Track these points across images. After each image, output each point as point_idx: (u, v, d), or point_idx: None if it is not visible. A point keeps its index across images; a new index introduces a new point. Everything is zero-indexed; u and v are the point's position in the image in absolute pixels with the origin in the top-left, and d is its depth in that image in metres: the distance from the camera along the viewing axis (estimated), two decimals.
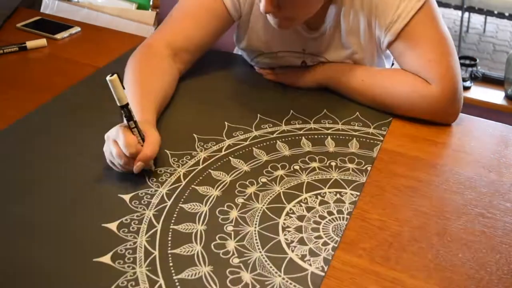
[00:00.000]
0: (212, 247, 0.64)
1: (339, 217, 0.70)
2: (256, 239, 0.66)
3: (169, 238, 0.66)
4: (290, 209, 0.71)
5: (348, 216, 0.70)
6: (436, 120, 0.89)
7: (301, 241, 0.66)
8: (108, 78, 0.68)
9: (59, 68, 1.06)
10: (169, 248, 0.64)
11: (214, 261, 0.62)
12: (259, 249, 0.64)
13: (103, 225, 0.67)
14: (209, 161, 0.79)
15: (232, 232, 0.67)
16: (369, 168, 0.79)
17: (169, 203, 0.71)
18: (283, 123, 0.88)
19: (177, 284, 0.59)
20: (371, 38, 0.92)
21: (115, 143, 0.72)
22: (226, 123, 0.88)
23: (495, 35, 3.65)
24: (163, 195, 0.72)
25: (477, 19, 3.71)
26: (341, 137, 0.85)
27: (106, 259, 0.62)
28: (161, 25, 0.98)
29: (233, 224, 0.68)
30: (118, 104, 0.70)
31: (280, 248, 0.65)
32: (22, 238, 0.65)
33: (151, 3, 1.78)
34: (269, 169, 0.78)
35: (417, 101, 0.88)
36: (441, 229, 0.68)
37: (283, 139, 0.84)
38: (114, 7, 1.77)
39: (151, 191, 0.73)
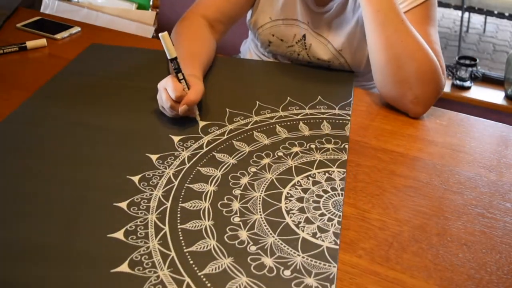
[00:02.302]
0: (226, 239, 0.66)
1: (335, 194, 0.74)
2: (265, 225, 0.69)
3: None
4: (288, 193, 0.74)
5: (342, 192, 0.74)
6: (412, 95, 0.89)
7: (308, 221, 0.70)
8: (160, 34, 0.82)
9: (59, 68, 1.06)
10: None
11: (232, 253, 0.64)
12: (271, 234, 0.67)
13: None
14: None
15: (241, 223, 0.69)
16: (346, 146, 0.84)
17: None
18: (253, 113, 0.91)
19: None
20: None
21: (165, 90, 0.84)
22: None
23: (495, 35, 3.65)
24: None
25: (477, 19, 3.71)
26: (311, 120, 0.90)
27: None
28: (196, 1, 1.09)
29: (238, 215, 0.70)
30: (168, 57, 0.84)
31: (290, 230, 0.68)
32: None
33: (151, 3, 1.78)
34: (255, 158, 0.81)
35: (434, 74, 0.88)
36: (441, 229, 0.68)
37: (259, 129, 0.87)
38: (114, 7, 1.77)
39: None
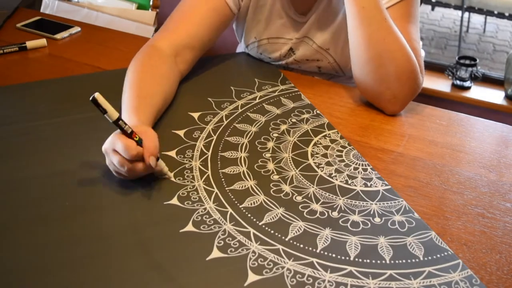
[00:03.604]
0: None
1: (351, 148, 0.83)
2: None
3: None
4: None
5: (351, 146, 0.84)
6: (391, 93, 0.90)
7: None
8: (92, 97, 0.68)
9: (59, 68, 1.06)
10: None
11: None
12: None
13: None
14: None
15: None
16: (318, 111, 0.92)
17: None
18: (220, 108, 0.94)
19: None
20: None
21: (115, 152, 0.71)
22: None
23: (495, 35, 3.65)
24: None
25: (477, 19, 3.71)
26: (271, 100, 0.95)
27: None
28: (163, 26, 0.99)
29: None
30: (110, 121, 0.70)
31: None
32: None
33: (151, 3, 1.78)
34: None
35: (412, 74, 0.89)
36: (441, 229, 0.68)
37: (237, 121, 0.90)
38: (114, 7, 1.77)
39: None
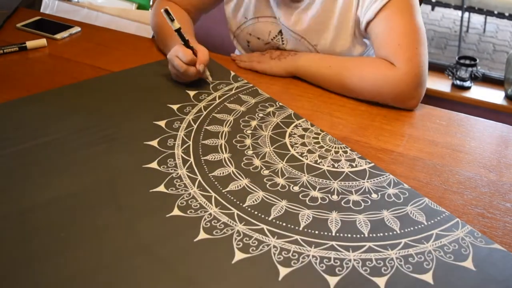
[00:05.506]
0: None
1: (325, 134, 0.86)
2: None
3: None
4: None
5: (324, 132, 0.87)
6: (397, 103, 0.94)
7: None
8: (162, 10, 0.92)
9: (59, 68, 1.06)
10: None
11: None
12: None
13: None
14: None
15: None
16: (280, 104, 0.93)
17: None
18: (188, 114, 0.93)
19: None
20: (346, 20, 0.98)
21: (176, 57, 0.93)
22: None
23: (495, 35, 3.65)
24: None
25: (477, 19, 3.71)
26: (231, 98, 0.95)
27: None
28: None
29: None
30: (174, 29, 0.93)
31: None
32: None
33: (151, 3, 1.78)
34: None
35: (380, 82, 0.92)
36: None
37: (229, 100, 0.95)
38: (114, 7, 1.77)
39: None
